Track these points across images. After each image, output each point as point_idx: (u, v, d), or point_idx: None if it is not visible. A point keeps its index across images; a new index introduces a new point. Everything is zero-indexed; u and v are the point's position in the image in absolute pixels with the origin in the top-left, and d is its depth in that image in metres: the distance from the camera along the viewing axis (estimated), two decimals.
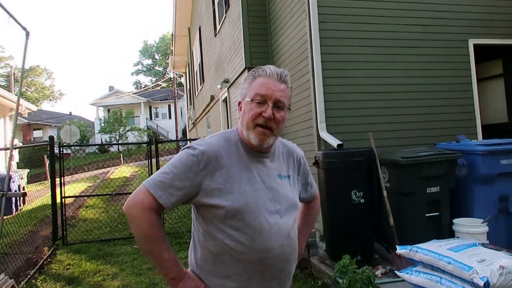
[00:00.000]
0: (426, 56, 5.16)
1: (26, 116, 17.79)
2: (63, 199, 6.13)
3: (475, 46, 5.32)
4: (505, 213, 4.15)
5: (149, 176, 6.69)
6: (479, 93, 5.35)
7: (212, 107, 10.96)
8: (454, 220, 3.92)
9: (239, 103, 1.44)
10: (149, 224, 1.29)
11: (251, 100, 1.36)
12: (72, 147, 9.91)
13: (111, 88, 41.17)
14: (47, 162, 13.75)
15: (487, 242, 3.74)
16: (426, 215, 3.98)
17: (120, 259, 5.17)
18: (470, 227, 3.78)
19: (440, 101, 5.14)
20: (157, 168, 6.41)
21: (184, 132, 33.14)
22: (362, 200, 3.89)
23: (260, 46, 6.65)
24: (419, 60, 5.14)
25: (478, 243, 2.45)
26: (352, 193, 3.88)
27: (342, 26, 4.90)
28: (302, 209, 1.66)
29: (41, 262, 5.05)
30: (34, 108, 12.57)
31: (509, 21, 5.51)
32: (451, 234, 3.94)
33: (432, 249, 2.41)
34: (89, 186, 12.29)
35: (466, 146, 4.24)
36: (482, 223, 3.79)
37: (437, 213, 4.01)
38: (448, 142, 4.71)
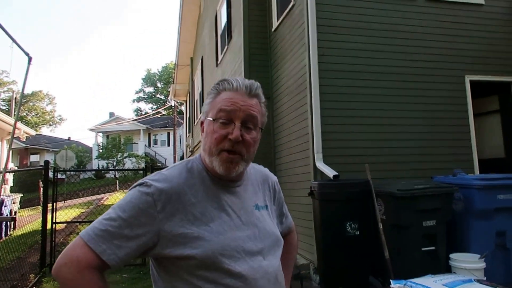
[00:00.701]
0: (424, 90, 5.25)
1: (24, 140, 17.83)
2: (53, 225, 6.03)
3: (472, 82, 5.43)
4: (502, 248, 4.09)
5: None
6: (476, 128, 5.41)
7: None
8: (451, 255, 3.86)
9: (201, 123, 1.19)
10: None
11: (213, 119, 1.11)
12: (67, 172, 9.82)
13: (111, 114, 41.45)
14: (41, 186, 13.67)
15: (484, 278, 3.68)
16: (422, 249, 3.91)
17: None
18: (467, 262, 3.72)
19: (437, 135, 5.19)
20: None
21: (182, 159, 33.01)
22: (357, 232, 3.84)
23: (260, 78, 6.76)
24: (416, 94, 5.22)
25: (474, 279, 2.41)
26: (347, 225, 3.83)
27: (341, 60, 5.01)
28: None
29: None
30: (32, 132, 12.61)
31: (504, 59, 5.65)
32: (447, 269, 3.86)
33: (427, 285, 2.36)
34: (82, 212, 12.13)
35: (463, 180, 4.23)
36: (479, 258, 3.72)
37: (433, 247, 3.95)
38: (445, 175, 4.71)
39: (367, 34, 5.16)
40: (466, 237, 4.13)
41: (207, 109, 1.16)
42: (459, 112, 5.37)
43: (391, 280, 2.64)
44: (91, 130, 38.01)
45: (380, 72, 5.14)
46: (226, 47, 8.54)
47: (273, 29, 6.67)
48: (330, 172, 4.32)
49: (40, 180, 16.18)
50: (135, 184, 1.10)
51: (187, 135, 18.54)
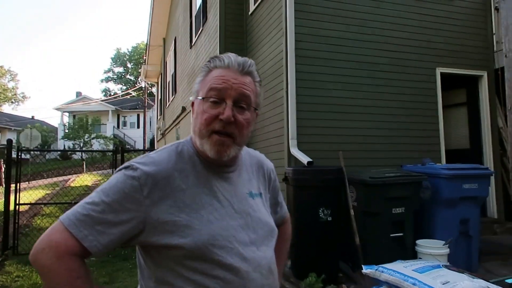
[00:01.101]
0: (396, 80, 5.34)
1: None
2: (17, 206, 5.78)
3: (442, 74, 5.56)
4: (465, 236, 4.27)
5: None
6: (444, 119, 5.57)
7: (182, 118, 10.83)
8: (417, 241, 3.99)
9: (192, 104, 1.12)
10: (69, 276, 0.91)
11: (203, 98, 1.04)
12: (32, 152, 9.41)
13: (78, 93, 40.03)
14: (3, 166, 13.05)
15: (448, 263, 3.84)
16: (391, 235, 4.02)
17: None
18: (432, 248, 3.85)
19: (408, 125, 5.31)
20: None
21: (152, 143, 32.54)
22: (330, 218, 3.90)
23: None
24: (389, 84, 5.30)
25: (442, 265, 2.49)
26: (320, 211, 3.88)
27: (317, 47, 5.00)
28: None
29: None
30: None
31: (473, 53, 5.82)
32: (414, 254, 4.00)
33: (398, 270, 2.42)
34: (47, 194, 11.72)
35: (431, 169, 4.36)
36: (444, 245, 3.87)
37: (401, 234, 4.08)
38: (414, 164, 4.84)
39: (343, 22, 5.17)
40: (431, 224, 4.27)
41: (197, 88, 1.10)
42: (429, 103, 5.51)
43: (362, 266, 2.69)
44: (57, 109, 36.58)
45: (354, 61, 5.17)
46: (201, 28, 8.34)
47: (249, 13, 6.56)
48: (304, 159, 4.34)
49: (1, 160, 15.46)
50: (121, 167, 1.04)
51: (158, 117, 18.18)
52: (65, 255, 0.91)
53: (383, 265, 2.57)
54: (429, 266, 2.40)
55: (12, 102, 46.59)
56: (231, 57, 1.07)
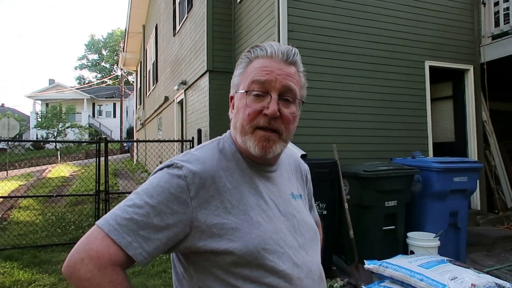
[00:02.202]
0: (387, 73, 5.34)
1: None
2: None
3: (431, 67, 5.60)
4: (454, 228, 4.35)
5: (96, 177, 5.89)
6: (432, 112, 5.62)
7: (165, 108, 10.58)
8: (409, 234, 4.03)
9: (231, 98, 1.04)
10: None
11: (246, 91, 0.96)
12: (10, 142, 8.99)
13: (51, 81, 38.63)
14: None
15: (438, 255, 3.90)
16: (383, 228, 4.05)
17: (58, 267, 4.69)
18: (423, 241, 3.91)
19: (397, 118, 5.33)
20: (106, 170, 5.99)
21: (129, 133, 31.88)
22: (325, 212, 3.88)
23: (223, 50, 6.50)
24: (379, 76, 5.29)
25: (446, 260, 2.49)
26: (316, 204, 3.83)
27: (310, 37, 4.92)
28: None
29: None
30: None
31: (460, 46, 5.88)
32: (405, 247, 4.05)
33: (403, 265, 2.41)
34: (20, 185, 11.27)
35: (422, 162, 4.39)
36: (434, 237, 3.93)
37: (393, 227, 4.11)
38: (403, 157, 4.87)
39: (334, 13, 5.11)
40: (422, 217, 4.32)
41: (237, 82, 1.01)
42: (418, 96, 5.55)
43: (365, 261, 2.67)
44: (29, 97, 35.24)
45: (345, 53, 5.13)
46: (185, 16, 8.10)
47: (238, 1, 6.40)
48: (298, 151, 4.27)
49: None
50: (161, 166, 0.95)
51: (138, 107, 17.76)
52: (108, 266, 0.81)
53: (387, 260, 2.55)
54: (435, 261, 2.40)
55: None
56: (274, 46, 0.98)
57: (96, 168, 5.94)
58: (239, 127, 0.97)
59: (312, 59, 4.90)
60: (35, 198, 7.71)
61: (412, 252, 3.94)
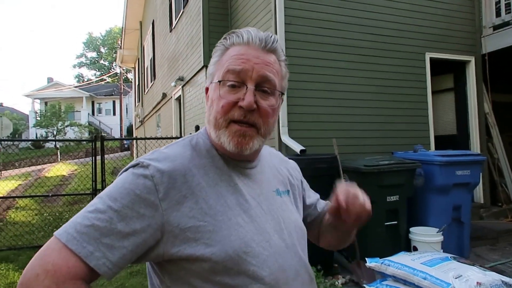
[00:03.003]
0: (386, 66, 5.23)
1: None
2: None
3: (431, 59, 5.49)
4: (457, 222, 4.26)
5: (92, 176, 5.81)
6: (433, 105, 5.52)
7: (163, 105, 10.49)
8: (411, 229, 3.95)
9: (206, 90, 0.96)
10: None
11: (219, 81, 0.87)
12: (3, 142, 8.91)
13: (50, 79, 38.51)
14: None
15: (441, 250, 3.82)
16: (385, 223, 3.97)
17: None
18: (426, 236, 3.83)
19: (398, 111, 5.23)
20: (102, 168, 5.90)
21: (129, 130, 31.80)
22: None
23: None
24: (379, 69, 5.19)
25: (450, 257, 2.41)
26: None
27: (308, 30, 4.81)
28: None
29: None
30: None
31: (461, 37, 5.77)
32: (407, 242, 3.97)
33: (405, 263, 2.32)
34: (19, 185, 11.21)
35: (424, 156, 4.30)
36: (437, 232, 3.84)
37: (395, 222, 4.02)
38: (404, 151, 4.78)
39: (333, 4, 4.99)
40: (425, 212, 4.24)
41: (212, 71, 0.92)
42: (419, 88, 5.44)
43: (366, 259, 2.59)
44: (27, 96, 35.14)
45: (344, 45, 5.02)
46: (181, 11, 7.98)
47: None
48: (296, 147, 4.19)
49: None
50: (127, 166, 0.85)
51: (136, 104, 17.66)
52: (66, 281, 0.72)
53: (389, 258, 2.47)
54: (438, 259, 2.32)
55: None
56: (251, 32, 0.89)
57: (92, 167, 5.87)
58: (212, 120, 0.89)
59: (310, 52, 4.79)
60: (31, 198, 7.64)
61: (415, 248, 3.86)
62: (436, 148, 5.47)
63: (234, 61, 0.86)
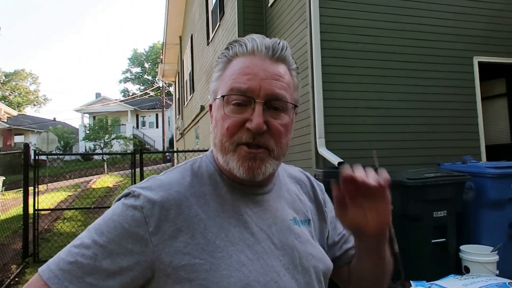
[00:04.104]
0: (430, 72, 4.94)
1: (5, 120, 17.16)
2: (35, 212, 5.68)
3: (480, 63, 5.13)
4: None
5: None
6: (482, 112, 5.14)
7: (201, 117, 10.63)
8: (462, 247, 3.64)
9: (210, 107, 0.86)
10: None
11: (223, 97, 0.77)
12: (49, 156, 9.38)
13: (97, 95, 40.49)
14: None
15: (497, 272, 3.48)
16: (432, 241, 3.69)
17: None
18: (479, 255, 3.51)
19: (444, 119, 4.91)
20: (141, 179, 6.01)
21: (171, 142, 32.66)
22: None
23: None
24: (422, 76, 4.91)
25: (509, 283, 2.15)
26: None
27: (344, 38, 4.66)
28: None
29: (7, 283, 4.57)
30: (14, 112, 12.13)
31: (510, 39, 5.35)
32: (457, 262, 3.67)
33: None
34: (69, 196, 11.74)
35: (475, 168, 3.98)
36: (492, 251, 3.51)
37: (444, 239, 3.73)
38: (452, 162, 4.46)
39: (370, 10, 4.81)
40: (476, 228, 3.92)
41: (215, 88, 0.82)
42: (467, 95, 5.09)
43: (411, 282, 2.38)
44: (77, 111, 37.13)
45: (385, 52, 4.80)
46: (218, 24, 8.08)
47: (269, 4, 6.25)
48: (334, 159, 4.02)
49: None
50: (120, 195, 0.77)
51: (177, 117, 18.08)
52: None
53: (437, 282, 2.25)
54: (494, 285, 2.07)
55: (34, 105, 47.69)
56: (256, 39, 0.78)
57: (132, 179, 5.99)
58: (218, 143, 0.78)
59: (348, 60, 4.63)
60: (75, 210, 7.93)
61: (466, 268, 3.55)
62: (488, 159, 5.07)
63: (239, 77, 0.75)
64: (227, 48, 0.81)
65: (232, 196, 0.79)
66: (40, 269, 0.70)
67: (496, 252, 3.49)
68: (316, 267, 0.82)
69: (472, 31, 5.18)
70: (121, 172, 19.83)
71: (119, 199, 0.77)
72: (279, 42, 0.79)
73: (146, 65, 49.99)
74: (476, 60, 5.14)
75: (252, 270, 0.72)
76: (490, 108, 5.68)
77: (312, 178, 1.00)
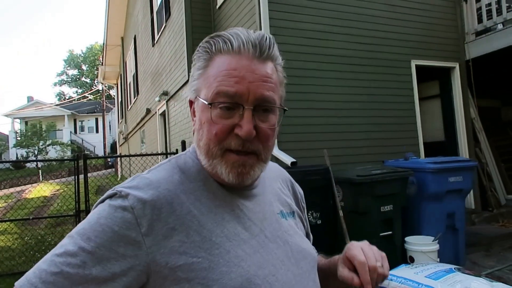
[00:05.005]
0: (373, 74, 5.22)
1: None
2: None
3: (417, 66, 5.51)
4: (452, 229, 4.21)
5: (75, 196, 5.56)
6: (420, 112, 5.52)
7: (147, 121, 10.31)
8: (406, 239, 3.87)
9: (190, 103, 0.82)
10: None
11: (210, 104, 0.73)
12: None
13: (30, 98, 37.79)
14: None
15: (438, 259, 3.75)
16: (380, 234, 3.88)
17: None
18: (422, 245, 3.75)
19: (386, 119, 5.21)
20: (86, 188, 5.68)
21: (113, 147, 31.32)
22: (319, 221, 3.69)
23: None
24: (366, 78, 5.17)
25: (454, 268, 2.32)
26: (309, 214, 3.64)
27: (294, 40, 4.77)
28: None
29: None
30: None
31: (444, 44, 5.82)
32: (403, 253, 3.89)
33: (409, 277, 2.22)
34: None
35: (416, 163, 4.26)
36: (433, 240, 3.77)
37: (391, 232, 3.94)
38: (395, 159, 4.73)
39: (317, 14, 4.97)
40: (419, 220, 4.17)
41: (197, 85, 0.77)
42: (406, 96, 5.44)
43: None
44: (6, 115, 34.36)
45: (331, 55, 4.99)
46: (163, 25, 7.90)
47: (217, 6, 6.23)
48: (287, 159, 4.09)
49: None
50: (103, 196, 0.72)
51: (120, 121, 17.39)
52: None
53: (391, 272, 2.36)
54: (443, 271, 2.22)
55: None
56: (241, 36, 0.73)
57: (75, 187, 5.64)
58: (204, 147, 0.75)
59: (297, 62, 4.74)
60: (11, 222, 7.31)
61: (411, 258, 3.77)
62: (426, 155, 5.44)
63: (225, 80, 0.71)
64: (208, 42, 0.76)
65: (223, 191, 0.77)
66: (17, 283, 0.64)
67: (437, 241, 3.75)
68: (306, 258, 0.83)
69: (410, 36, 5.56)
70: (58, 180, 18.63)
71: (102, 201, 0.71)
72: (266, 38, 0.75)
73: (84, 67, 47.53)
74: (413, 63, 5.51)
75: (251, 265, 0.71)
76: (426, 108, 6.11)
77: (294, 181, 1.02)
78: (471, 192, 5.54)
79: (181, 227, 0.69)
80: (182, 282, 0.66)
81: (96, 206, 0.72)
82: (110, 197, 0.70)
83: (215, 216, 0.73)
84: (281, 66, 0.81)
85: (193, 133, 0.80)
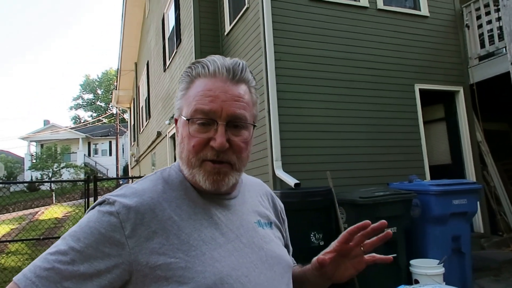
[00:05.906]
0: (378, 98, 5.31)
1: None
2: None
3: (421, 90, 5.59)
4: (458, 253, 4.16)
5: None
6: (425, 135, 5.56)
7: (158, 143, 10.50)
8: (411, 262, 3.85)
9: (175, 120, 0.92)
10: None
11: (188, 119, 0.83)
12: None
13: (46, 122, 38.69)
14: None
15: (444, 283, 3.70)
16: None
17: None
18: (427, 268, 3.72)
19: (391, 142, 5.26)
20: None
21: (125, 170, 31.65)
22: (322, 243, 3.70)
23: None
24: (371, 101, 5.26)
25: None
26: (312, 235, 3.68)
27: (298, 65, 4.92)
28: None
29: None
30: None
31: (448, 69, 5.91)
32: (408, 276, 3.86)
33: None
34: (12, 229, 10.97)
35: (420, 186, 4.27)
36: (438, 264, 3.74)
37: (395, 255, 3.92)
38: (400, 182, 4.75)
39: (322, 41, 5.14)
40: (423, 243, 4.15)
41: (180, 105, 0.88)
42: (410, 119, 5.50)
43: None
44: (23, 138, 35.15)
45: (335, 79, 5.12)
46: (174, 51, 8.18)
47: (225, 33, 6.46)
48: (291, 181, 4.16)
49: None
50: (94, 204, 0.82)
51: (132, 144, 17.69)
52: None
53: None
54: None
55: None
56: (217, 62, 0.85)
57: (85, 208, 5.76)
58: (185, 158, 0.85)
59: (302, 87, 4.87)
60: (22, 242, 7.44)
61: (416, 281, 3.74)
62: (432, 178, 5.44)
63: (202, 99, 0.82)
64: (190, 68, 0.87)
65: (203, 200, 0.86)
66: (15, 278, 0.72)
67: (442, 264, 3.72)
68: (280, 263, 0.90)
69: (413, 61, 5.67)
70: (71, 202, 18.85)
71: (93, 207, 0.81)
72: (239, 64, 0.85)
73: (99, 92, 48.73)
74: (417, 87, 5.60)
75: (224, 266, 0.78)
76: (432, 131, 6.14)
77: (275, 195, 1.12)
78: (479, 215, 5.49)
79: (161, 231, 0.77)
80: (161, 280, 0.74)
81: (87, 212, 0.81)
82: (100, 204, 0.80)
83: (194, 222, 0.82)
84: (255, 88, 0.91)
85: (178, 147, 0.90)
